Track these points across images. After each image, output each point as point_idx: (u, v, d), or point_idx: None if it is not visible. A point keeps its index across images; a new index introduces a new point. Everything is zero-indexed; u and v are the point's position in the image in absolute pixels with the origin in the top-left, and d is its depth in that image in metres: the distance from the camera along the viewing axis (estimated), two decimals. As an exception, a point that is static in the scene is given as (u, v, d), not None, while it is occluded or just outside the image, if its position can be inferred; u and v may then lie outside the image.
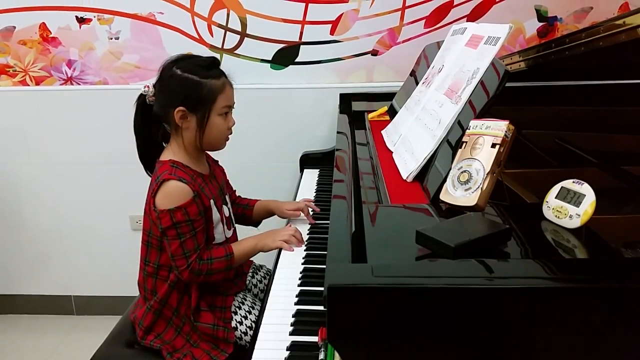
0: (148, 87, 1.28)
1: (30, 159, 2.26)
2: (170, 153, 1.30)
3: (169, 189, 1.22)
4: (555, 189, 0.87)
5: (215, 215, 1.32)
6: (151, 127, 1.31)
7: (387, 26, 2.05)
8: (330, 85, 2.10)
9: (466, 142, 0.92)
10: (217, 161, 1.48)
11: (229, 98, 1.28)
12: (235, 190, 1.55)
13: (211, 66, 1.26)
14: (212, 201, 1.30)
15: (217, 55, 2.07)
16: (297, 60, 2.10)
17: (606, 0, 1.96)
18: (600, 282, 0.71)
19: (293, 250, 1.31)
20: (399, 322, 0.70)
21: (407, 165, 1.18)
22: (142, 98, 1.30)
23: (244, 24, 2.06)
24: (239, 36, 2.08)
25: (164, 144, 1.34)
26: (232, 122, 1.31)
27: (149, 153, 1.34)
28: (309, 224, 1.46)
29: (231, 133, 1.33)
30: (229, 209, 1.42)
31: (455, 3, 2.01)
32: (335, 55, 2.09)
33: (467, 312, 0.70)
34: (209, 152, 1.43)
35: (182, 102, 1.23)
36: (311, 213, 1.49)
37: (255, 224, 1.57)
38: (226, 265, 1.28)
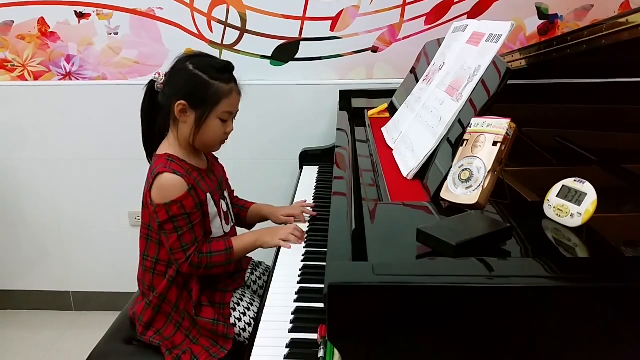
0: (159, 74, 1.30)
1: (29, 155, 2.25)
2: (167, 146, 1.30)
3: (163, 182, 1.23)
4: (557, 187, 0.87)
5: (212, 209, 1.32)
6: (156, 114, 1.32)
7: (388, 23, 2.04)
8: (330, 81, 2.10)
9: (467, 140, 0.91)
10: (217, 158, 1.48)
11: (232, 105, 1.28)
12: (233, 190, 1.55)
13: (224, 70, 1.27)
14: (208, 195, 1.30)
15: (217, 52, 2.07)
16: (296, 56, 2.09)
17: (607, -2, 1.97)
18: (601, 281, 0.70)
19: (290, 247, 1.31)
20: (399, 321, 0.70)
21: (408, 162, 1.18)
22: (151, 83, 1.31)
23: (243, 20, 2.06)
24: (238, 32, 2.07)
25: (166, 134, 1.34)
26: (230, 128, 1.31)
27: (152, 140, 1.34)
28: (308, 219, 1.46)
29: (227, 138, 1.33)
30: (227, 204, 1.42)
31: (456, 0, 2.00)
32: (335, 51, 2.08)
33: (468, 311, 0.69)
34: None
35: (185, 97, 1.24)
36: (307, 218, 1.48)
37: (248, 226, 1.56)
38: (226, 259, 1.28)
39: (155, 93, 1.30)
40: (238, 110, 1.33)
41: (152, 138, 1.34)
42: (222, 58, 2.04)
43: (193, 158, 1.32)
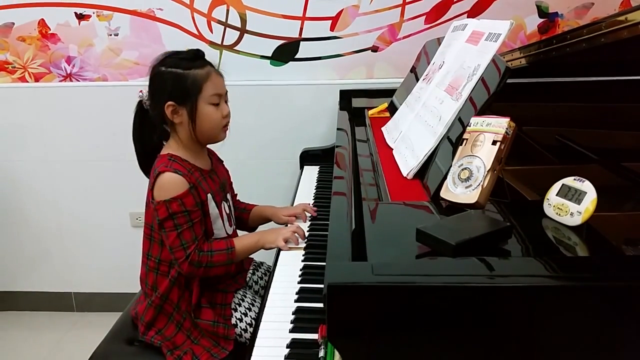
0: (142, 91, 1.31)
1: (30, 156, 2.26)
2: (170, 148, 1.31)
3: (164, 180, 1.23)
4: (556, 186, 0.87)
5: (213, 209, 1.32)
6: (150, 132, 1.32)
7: (388, 22, 2.04)
8: (330, 81, 2.10)
9: (467, 139, 0.91)
10: (222, 161, 1.48)
11: (216, 86, 1.28)
12: (236, 194, 1.55)
13: (194, 57, 1.27)
14: (209, 195, 1.30)
15: (217, 52, 2.08)
16: (297, 56, 2.09)
17: (607, -4, 1.96)
18: (601, 280, 0.70)
19: (289, 249, 1.31)
20: (399, 321, 0.70)
21: (408, 162, 1.18)
22: (139, 105, 1.32)
23: (243, 20, 2.06)
24: (238, 32, 2.07)
25: (164, 143, 1.34)
26: (226, 110, 1.31)
27: (147, 159, 1.34)
28: (309, 220, 1.46)
29: (228, 122, 1.32)
30: (229, 206, 1.42)
31: (455, -1, 2.00)
32: (335, 51, 2.08)
33: (468, 311, 0.69)
34: (214, 151, 1.44)
35: (170, 97, 1.25)
36: (308, 216, 1.48)
37: (251, 229, 1.56)
38: (227, 259, 1.28)
39: (145, 111, 1.31)
40: (227, 92, 1.32)
41: (148, 157, 1.34)
42: (223, 59, 2.08)
43: (196, 158, 1.33)
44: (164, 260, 1.30)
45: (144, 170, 1.36)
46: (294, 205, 1.57)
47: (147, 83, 1.31)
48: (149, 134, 1.33)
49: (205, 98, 1.26)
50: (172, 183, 1.23)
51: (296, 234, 1.33)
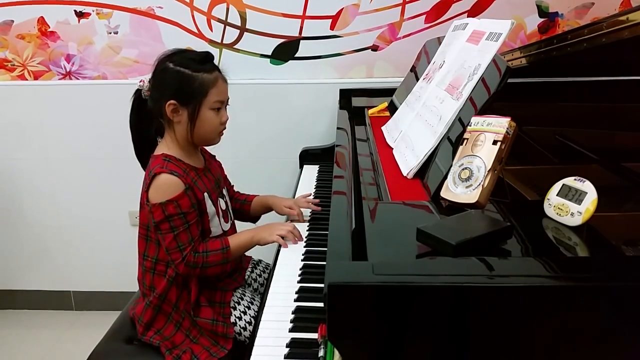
0: (143, 81, 1.29)
1: (29, 154, 2.26)
2: (164, 147, 1.30)
3: (160, 182, 1.23)
4: (557, 186, 0.87)
5: (210, 208, 1.31)
6: (146, 122, 1.32)
7: (388, 21, 2.04)
8: (330, 80, 2.10)
9: (467, 138, 0.91)
10: (214, 156, 1.48)
11: (221, 93, 1.28)
12: (233, 186, 1.54)
13: (204, 60, 1.27)
14: (206, 194, 1.30)
15: (217, 50, 2.07)
16: (297, 55, 2.09)
17: (607, -4, 1.96)
18: (602, 280, 0.70)
19: (287, 247, 1.31)
20: (399, 320, 0.70)
21: (408, 161, 1.18)
22: (137, 93, 1.31)
23: (243, 19, 2.05)
24: (238, 31, 2.07)
25: (158, 140, 1.34)
26: (225, 117, 1.31)
27: (144, 149, 1.34)
28: (309, 219, 1.46)
29: (225, 128, 1.32)
30: (226, 202, 1.41)
31: (456, -2, 2.00)
32: (335, 50, 2.08)
33: (468, 310, 0.69)
34: (205, 148, 1.43)
35: (174, 95, 1.24)
36: (308, 215, 1.48)
37: (254, 219, 1.57)
38: (222, 258, 1.27)
39: (143, 101, 1.30)
40: (229, 98, 1.32)
41: (144, 147, 1.34)
42: (222, 57, 2.08)
43: (190, 158, 1.32)
44: (161, 260, 1.30)
45: (140, 159, 1.36)
46: (296, 197, 1.57)
47: (147, 79, 1.30)
48: (146, 125, 1.32)
49: (208, 103, 1.26)
50: (168, 184, 1.22)
51: (292, 233, 1.32)
